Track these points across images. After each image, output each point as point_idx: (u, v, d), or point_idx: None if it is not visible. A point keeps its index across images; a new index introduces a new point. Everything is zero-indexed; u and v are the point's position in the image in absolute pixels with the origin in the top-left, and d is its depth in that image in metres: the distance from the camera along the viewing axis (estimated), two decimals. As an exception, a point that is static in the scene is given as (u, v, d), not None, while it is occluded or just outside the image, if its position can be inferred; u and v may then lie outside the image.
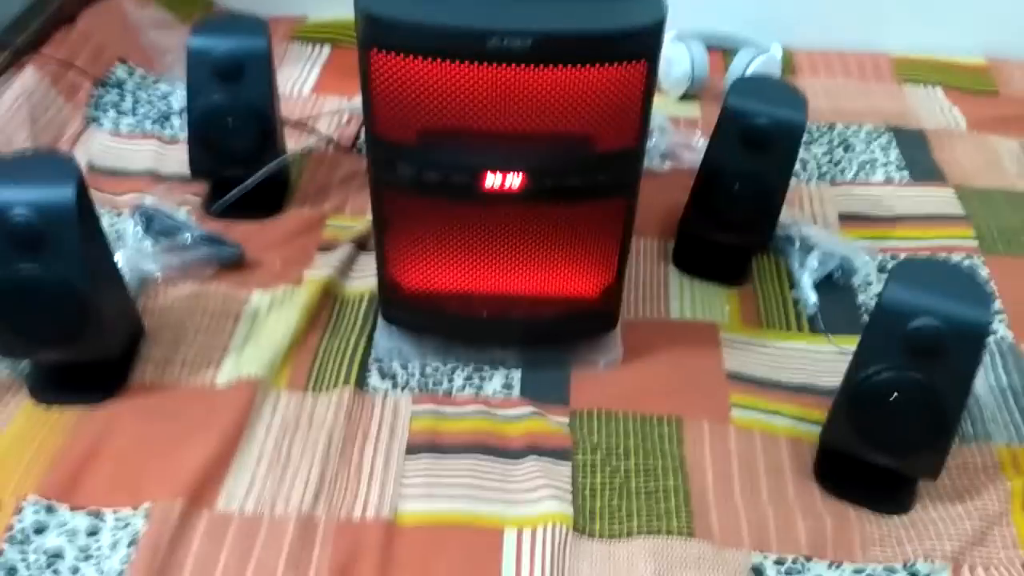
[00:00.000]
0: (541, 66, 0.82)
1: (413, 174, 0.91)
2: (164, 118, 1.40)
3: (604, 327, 1.06)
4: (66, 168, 0.90)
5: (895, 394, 0.88)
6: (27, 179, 0.89)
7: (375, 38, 0.83)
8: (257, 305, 1.11)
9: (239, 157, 1.19)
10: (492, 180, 0.90)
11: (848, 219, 1.31)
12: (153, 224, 1.11)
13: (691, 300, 1.17)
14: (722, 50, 1.64)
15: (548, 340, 1.07)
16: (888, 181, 1.38)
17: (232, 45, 1.14)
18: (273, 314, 1.10)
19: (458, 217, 0.95)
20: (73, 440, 0.95)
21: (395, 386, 1.04)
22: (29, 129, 1.27)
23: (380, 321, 1.09)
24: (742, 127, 1.09)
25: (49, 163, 0.92)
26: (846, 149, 1.44)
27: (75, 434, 0.95)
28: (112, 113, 1.39)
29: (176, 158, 1.33)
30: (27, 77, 1.32)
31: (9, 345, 0.95)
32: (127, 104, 1.41)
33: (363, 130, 1.34)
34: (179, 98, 1.43)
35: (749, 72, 1.50)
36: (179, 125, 1.39)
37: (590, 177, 0.90)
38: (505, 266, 0.99)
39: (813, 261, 1.19)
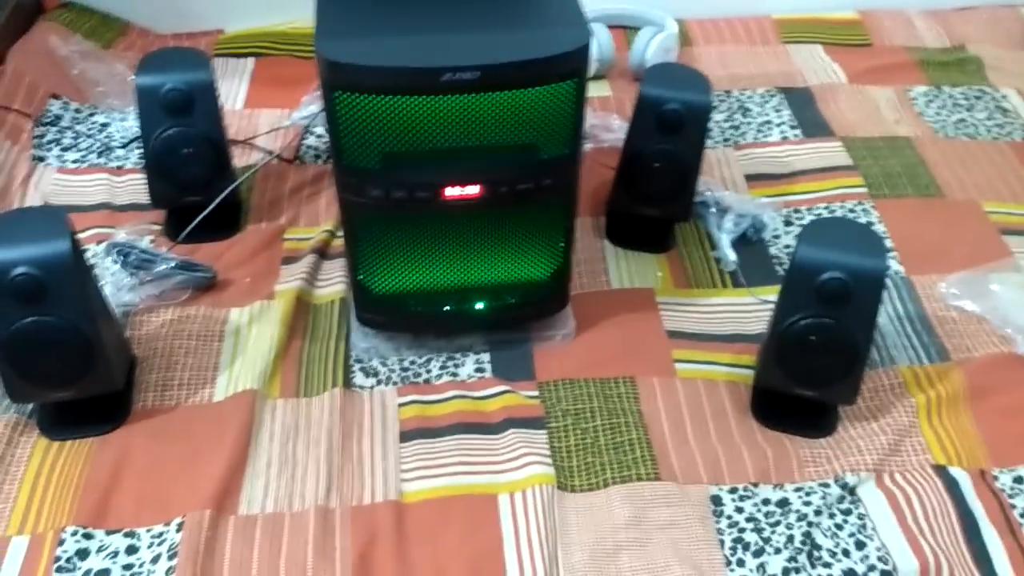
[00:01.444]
0: (489, 92, 0.93)
1: (380, 194, 1.01)
2: (107, 149, 1.45)
3: (557, 306, 1.19)
4: (58, 222, 0.97)
5: (813, 337, 1.04)
6: (23, 237, 0.96)
7: (337, 81, 0.93)
8: (237, 323, 1.20)
9: (196, 184, 1.27)
10: (451, 191, 1.01)
11: (753, 179, 1.46)
12: (129, 259, 1.18)
13: (627, 270, 1.31)
14: (622, 27, 1.77)
15: (509, 324, 1.19)
16: (783, 140, 1.54)
17: (179, 80, 1.21)
18: (254, 329, 1.19)
19: (421, 224, 1.06)
20: (93, 469, 1.03)
21: (379, 382, 1.15)
22: (-17, 179, 1.31)
23: (354, 323, 1.20)
24: (657, 113, 1.23)
25: (40, 219, 0.99)
26: (744, 113, 1.60)
27: (94, 463, 1.04)
28: (56, 150, 1.44)
29: (128, 188, 1.39)
30: (-30, 127, 1.35)
31: (23, 391, 1.02)
32: (68, 139, 1.46)
33: (302, 141, 1.45)
34: (119, 128, 1.48)
35: (651, 48, 1.63)
36: (123, 155, 1.44)
37: (537, 181, 1.03)
38: (466, 261, 1.11)
39: (728, 223, 1.34)
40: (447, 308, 1.15)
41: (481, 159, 0.99)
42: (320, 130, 1.50)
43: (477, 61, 0.91)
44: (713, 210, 1.36)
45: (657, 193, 1.28)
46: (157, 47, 1.66)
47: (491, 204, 1.04)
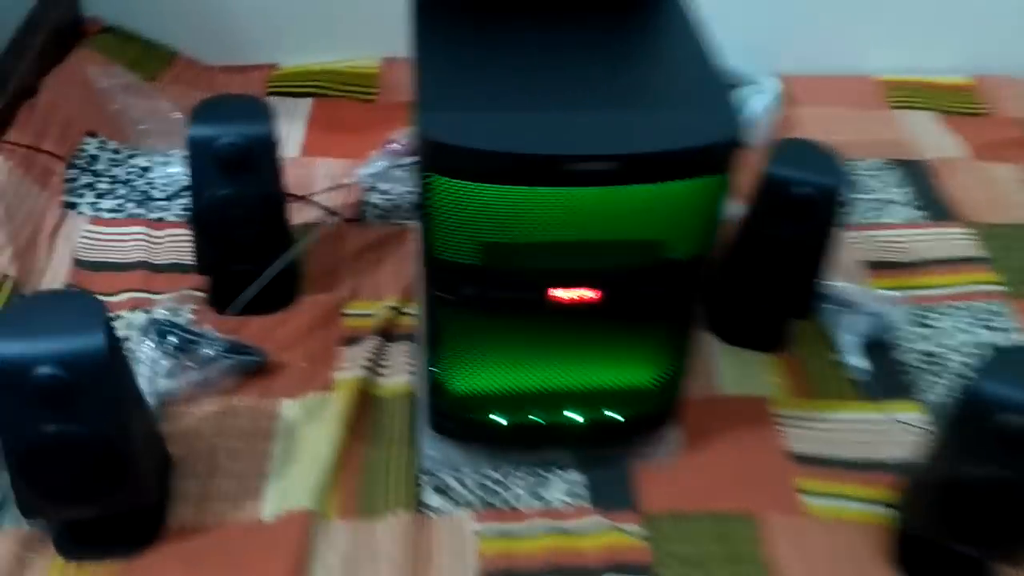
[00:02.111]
0: (620, 185, 0.76)
1: (476, 293, 0.84)
2: (147, 198, 1.29)
3: (664, 422, 1.02)
4: (91, 310, 0.81)
5: (988, 491, 0.86)
6: (49, 328, 0.79)
7: (438, 164, 0.76)
8: (290, 418, 1.03)
9: (249, 250, 1.10)
10: (560, 293, 0.84)
11: (871, 266, 1.29)
12: (170, 339, 1.02)
13: (736, 372, 1.13)
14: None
15: (606, 441, 1.02)
16: (903, 222, 1.37)
17: (236, 133, 1.05)
18: (309, 428, 1.02)
19: (517, 323, 0.89)
20: (115, 604, 0.86)
21: (454, 503, 0.97)
22: (7, 229, 1.15)
23: (425, 427, 1.03)
24: (784, 196, 1.06)
25: (71, 305, 0.82)
26: (853, 187, 1.42)
27: (116, 596, 0.87)
28: (89, 196, 1.28)
29: (169, 245, 1.23)
30: (-3, 169, 1.20)
31: (38, 508, 0.86)
32: (104, 185, 1.30)
33: (365, 199, 1.29)
34: (161, 174, 1.32)
35: (756, 110, 1.47)
36: (165, 204, 1.28)
37: (662, 285, 0.85)
38: (564, 365, 0.94)
39: (856, 323, 1.17)
40: (536, 417, 0.98)
41: (599, 257, 0.82)
42: (385, 185, 1.34)
43: (612, 149, 0.74)
44: (834, 305, 1.19)
45: (779, 286, 1.10)
46: (205, 80, 1.52)
47: (603, 308, 0.86)
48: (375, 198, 1.32)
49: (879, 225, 1.36)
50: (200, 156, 1.06)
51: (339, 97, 1.53)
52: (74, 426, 0.80)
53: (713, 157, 0.77)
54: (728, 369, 1.13)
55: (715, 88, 0.82)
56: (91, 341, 0.79)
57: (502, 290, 0.84)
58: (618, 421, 0.98)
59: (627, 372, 0.95)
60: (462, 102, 0.78)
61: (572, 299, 0.84)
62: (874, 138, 1.53)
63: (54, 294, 0.97)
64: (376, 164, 1.32)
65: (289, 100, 1.51)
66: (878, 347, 1.17)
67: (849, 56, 1.68)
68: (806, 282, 1.10)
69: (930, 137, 1.54)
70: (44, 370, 0.78)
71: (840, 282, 1.20)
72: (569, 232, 0.80)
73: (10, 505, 0.90)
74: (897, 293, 1.24)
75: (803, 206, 1.05)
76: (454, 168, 0.76)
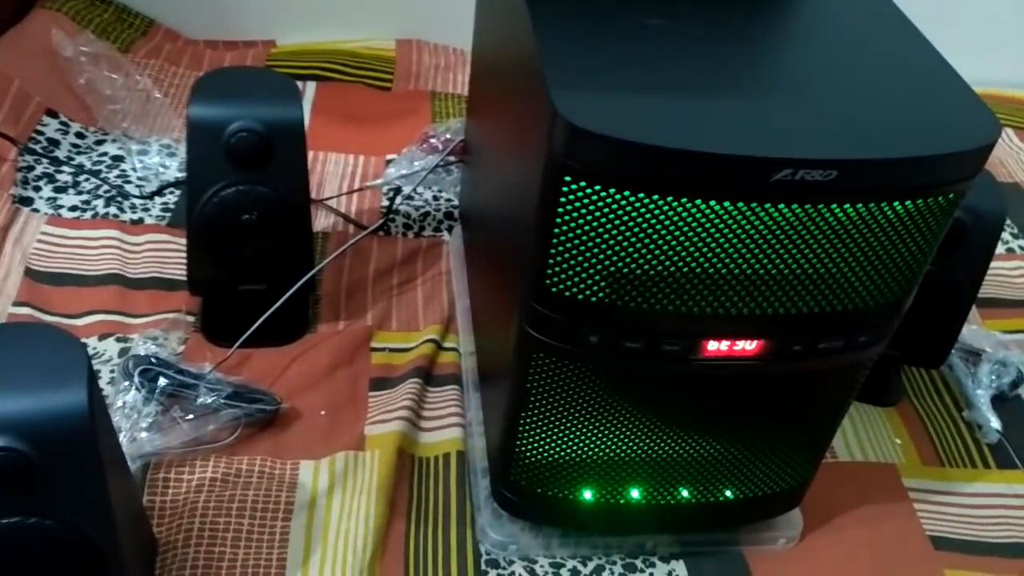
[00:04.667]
0: (834, 202, 0.56)
1: (601, 342, 0.62)
2: (120, 194, 1.04)
3: (790, 503, 0.81)
4: (71, 356, 0.57)
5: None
6: (7, 380, 0.55)
7: (578, 161, 0.54)
8: (311, 488, 0.80)
9: (262, 268, 0.87)
10: (715, 349, 0.63)
11: (980, 304, 1.11)
12: (158, 385, 0.77)
13: (854, 432, 0.93)
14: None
15: (718, 525, 0.81)
16: (1009, 253, 1.19)
17: (256, 117, 0.81)
18: (337, 502, 0.79)
19: (641, 383, 0.68)
20: None
21: (530, 604, 0.76)
22: (-60, 229, 0.90)
23: (483, 498, 0.80)
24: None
25: (42, 349, 0.58)
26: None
27: None
28: (47, 190, 1.02)
29: (147, 254, 0.98)
30: (-70, 151, 0.94)
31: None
32: (65, 176, 1.04)
33: (391, 206, 1.06)
34: (137, 165, 1.07)
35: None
36: (143, 203, 1.04)
37: (848, 338, 0.65)
38: (683, 437, 0.72)
39: (986, 374, 0.98)
40: (635, 496, 0.76)
41: (776, 301, 0.61)
42: (409, 188, 1.11)
43: (835, 153, 0.53)
44: (957, 354, 1.00)
45: (913, 332, 0.91)
46: (189, 56, 1.28)
47: (764, 367, 0.65)
48: (402, 205, 1.09)
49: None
50: (203, 145, 0.82)
51: (348, 81, 1.29)
52: (39, 518, 0.56)
53: (960, 168, 0.56)
54: (846, 427, 0.93)
55: (945, 75, 0.61)
56: (68, 403, 0.55)
57: (638, 338, 0.62)
58: (740, 502, 0.78)
59: (766, 446, 0.74)
60: (610, 84, 0.57)
61: (727, 353, 0.63)
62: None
63: (17, 330, 0.71)
64: (406, 163, 1.09)
65: (290, 83, 1.27)
66: (1005, 400, 0.99)
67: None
68: (948, 326, 0.91)
69: (1014, 156, 1.37)
70: (1, 445, 0.54)
71: (967, 326, 1.01)
72: (744, 266, 0.59)
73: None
74: (1015, 337, 1.06)
75: (953, 235, 0.86)
76: (601, 170, 0.54)
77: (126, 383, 0.78)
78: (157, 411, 0.79)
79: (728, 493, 0.77)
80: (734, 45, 0.63)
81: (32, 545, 0.57)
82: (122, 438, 0.76)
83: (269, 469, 0.81)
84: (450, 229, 1.08)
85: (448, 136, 1.09)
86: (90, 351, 0.87)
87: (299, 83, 1.24)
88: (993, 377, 0.98)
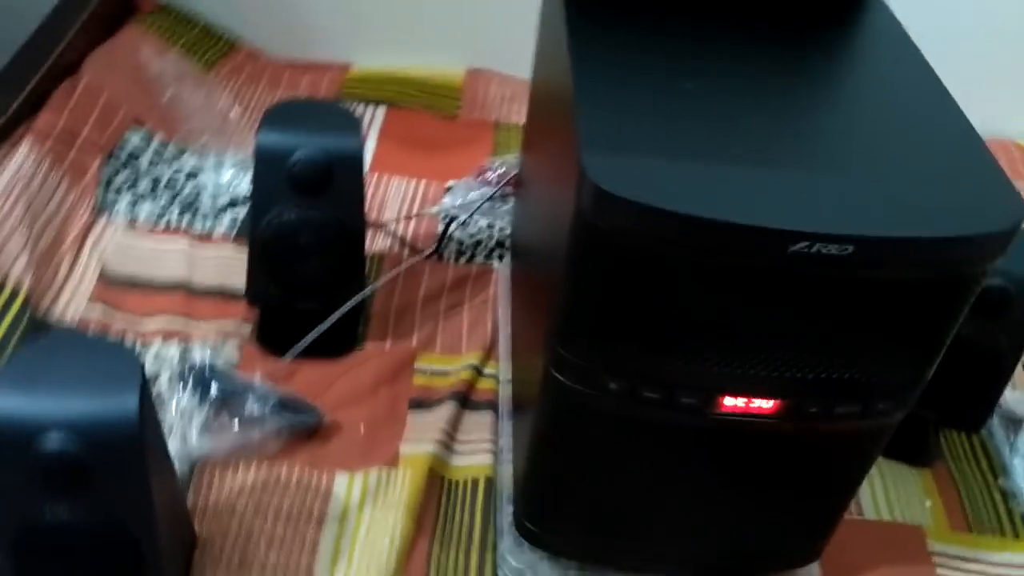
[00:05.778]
0: (848, 277, 0.57)
1: (621, 388, 0.65)
2: (193, 206, 1.11)
3: (807, 559, 0.82)
4: (125, 368, 0.62)
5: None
6: (66, 385, 0.61)
7: (605, 222, 0.57)
8: (344, 500, 0.84)
9: (316, 287, 0.92)
10: (732, 404, 0.65)
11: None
12: (211, 391, 0.83)
13: (884, 491, 0.93)
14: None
15: (735, 572, 0.82)
16: (1066, 319, 1.17)
17: (318, 146, 0.86)
18: (367, 515, 0.83)
19: (658, 435, 0.70)
20: None
21: (542, 633, 0.78)
22: (28, 230, 0.97)
23: (506, 525, 0.83)
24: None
25: (100, 356, 0.63)
26: (1008, 273, 1.23)
27: None
28: (127, 198, 1.10)
29: (214, 264, 1.04)
30: (23, 156, 1.01)
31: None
32: (144, 185, 1.11)
33: (446, 232, 1.10)
34: (212, 181, 1.13)
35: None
36: (213, 215, 1.10)
37: (862, 403, 0.66)
38: (700, 489, 0.74)
39: (1023, 443, 0.97)
40: (652, 539, 0.78)
41: (793, 363, 0.63)
42: (466, 217, 1.15)
43: (851, 229, 0.55)
44: (997, 419, 0.99)
45: (949, 395, 0.91)
46: (268, 75, 1.35)
47: (777, 428, 0.67)
48: (457, 232, 1.13)
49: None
50: (269, 169, 0.87)
51: (416, 108, 1.34)
52: (85, 510, 0.61)
53: (984, 249, 0.58)
54: (875, 486, 0.93)
55: (976, 154, 0.62)
56: (120, 408, 0.60)
57: (657, 389, 0.64)
58: (757, 552, 0.79)
59: (785, 502, 0.75)
60: (639, 144, 0.59)
61: (744, 410, 0.65)
62: None
63: (79, 339, 0.77)
64: (462, 192, 1.13)
65: (362, 106, 1.32)
66: (1047, 472, 0.98)
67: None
68: (987, 392, 0.91)
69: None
70: (53, 442, 0.59)
71: (1011, 392, 1.01)
72: (764, 326, 0.61)
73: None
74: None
75: (995, 302, 0.86)
76: (626, 231, 0.57)
77: (181, 387, 0.84)
78: (208, 415, 0.84)
79: (745, 543, 0.78)
80: (768, 111, 0.65)
81: (79, 539, 0.62)
82: (173, 438, 0.82)
83: (307, 479, 0.85)
84: (501, 257, 1.12)
85: (503, 170, 1.13)
86: (153, 352, 0.93)
87: (369, 107, 1.33)
88: (1031, 446, 0.97)
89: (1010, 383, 1.03)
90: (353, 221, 0.90)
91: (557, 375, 0.67)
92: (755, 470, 0.73)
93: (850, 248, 0.55)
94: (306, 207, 0.87)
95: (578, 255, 0.59)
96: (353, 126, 0.89)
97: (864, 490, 0.93)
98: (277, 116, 0.89)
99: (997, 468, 0.98)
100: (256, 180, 0.88)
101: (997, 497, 0.95)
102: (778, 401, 0.64)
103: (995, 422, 1.00)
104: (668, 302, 0.59)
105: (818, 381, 0.63)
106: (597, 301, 0.61)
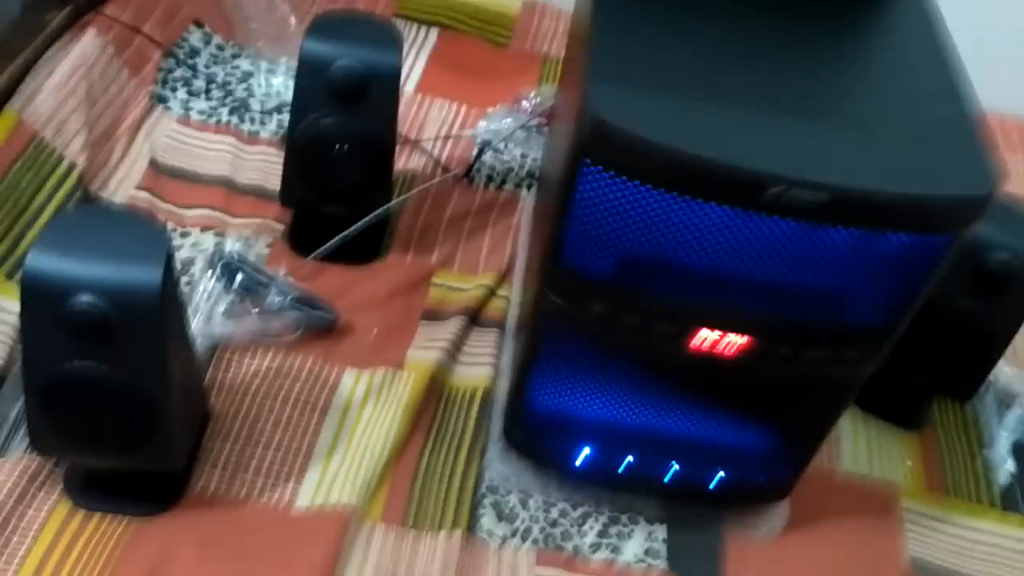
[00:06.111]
0: (823, 225, 0.60)
1: (603, 314, 0.69)
2: (243, 107, 1.16)
3: (775, 495, 0.86)
4: (154, 241, 0.68)
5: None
6: (101, 251, 0.67)
7: (598, 150, 0.61)
8: (348, 393, 0.90)
9: (344, 194, 0.97)
10: (706, 337, 0.69)
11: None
12: (236, 280, 0.89)
13: (866, 447, 0.97)
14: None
15: (704, 501, 0.87)
16: (1085, 307, 1.17)
17: (356, 58, 0.90)
18: (368, 410, 0.89)
19: (636, 360, 0.74)
20: (118, 568, 0.75)
21: (513, 533, 0.84)
22: (86, 112, 1.03)
23: (496, 435, 0.89)
24: (976, 261, 0.88)
25: (133, 229, 0.70)
26: (1034, 255, 1.22)
27: (121, 559, 0.76)
28: (182, 92, 1.15)
29: (256, 164, 1.10)
30: (88, 44, 1.07)
31: (52, 445, 0.74)
32: (199, 83, 1.17)
33: (478, 156, 1.14)
34: (263, 83, 1.19)
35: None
36: (261, 118, 1.15)
37: (834, 351, 0.69)
38: (679, 413, 0.79)
39: (1014, 417, 0.99)
40: (629, 459, 0.83)
41: (764, 303, 0.67)
42: (502, 145, 1.18)
43: (827, 178, 0.58)
44: (992, 394, 1.01)
45: (944, 360, 0.93)
46: (331, -14, 1.38)
47: (751, 364, 0.71)
48: (488, 157, 1.17)
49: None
50: (309, 76, 0.92)
51: (467, 32, 1.37)
52: (107, 366, 0.68)
53: (954, 212, 0.60)
54: (858, 441, 0.97)
55: (966, 123, 0.64)
56: (145, 277, 0.66)
57: (635, 317, 0.68)
58: (722, 485, 0.83)
59: (754, 437, 0.80)
60: (644, 80, 0.62)
61: (716, 348, 0.69)
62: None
63: (116, 212, 0.84)
64: (497, 120, 1.16)
65: (416, 26, 1.36)
66: (1032, 451, 1.00)
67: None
68: (980, 364, 0.93)
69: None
70: (85, 298, 0.66)
71: (1008, 368, 1.02)
72: (739, 268, 0.64)
73: (21, 432, 0.79)
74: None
75: (998, 276, 0.88)
76: (617, 160, 0.61)
77: (210, 273, 0.90)
78: (233, 301, 0.90)
79: (716, 473, 0.83)
80: (777, 64, 0.67)
81: (99, 388, 0.69)
82: (198, 319, 0.88)
83: (318, 370, 0.92)
84: (530, 187, 1.15)
85: (538, 100, 1.16)
86: (190, 241, 1.00)
87: (423, 29, 1.36)
88: (1016, 420, 0.99)
89: (1011, 361, 1.05)
90: (384, 133, 0.94)
91: (550, 295, 0.71)
92: (727, 405, 0.77)
93: (825, 195, 0.58)
94: (341, 115, 0.92)
95: (571, 181, 0.63)
96: (393, 42, 0.93)
97: (845, 443, 0.96)
98: (323, 26, 0.93)
99: (984, 439, 1.00)
100: (297, 86, 0.93)
101: (979, 467, 0.98)
102: (750, 338, 0.68)
103: (990, 396, 1.02)
104: (649, 233, 0.63)
105: (789, 323, 0.67)
106: (586, 226, 0.65)
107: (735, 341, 0.68)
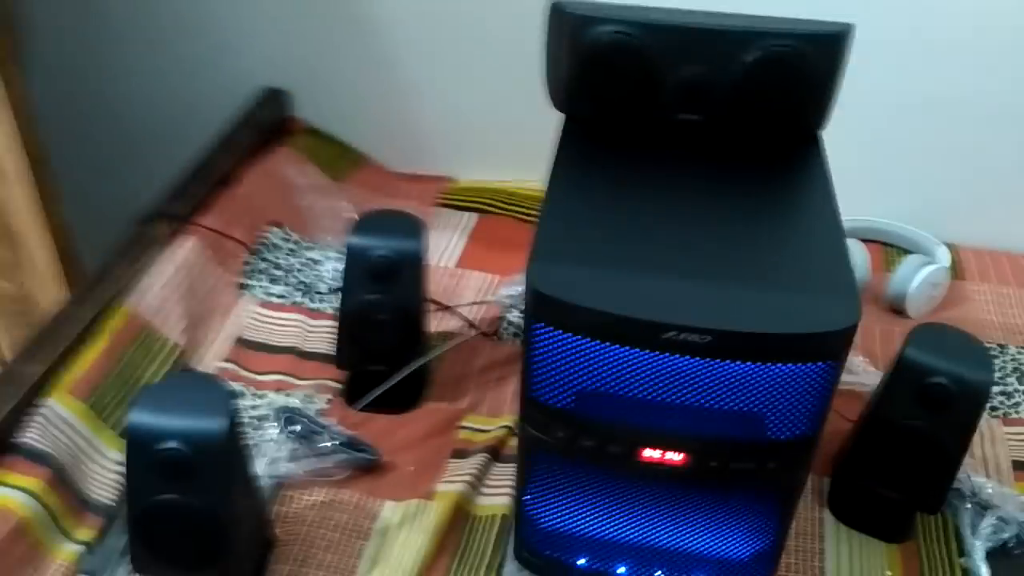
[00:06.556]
0: (718, 359, 0.77)
1: (566, 437, 0.87)
2: (311, 289, 1.41)
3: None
4: (220, 399, 0.90)
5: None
6: (181, 407, 0.89)
7: (541, 313, 0.80)
8: (387, 521, 1.08)
9: (384, 354, 1.18)
10: (651, 453, 0.85)
11: (1021, 468, 1.19)
12: (295, 428, 1.10)
13: (848, 560, 1.07)
14: (878, 243, 1.57)
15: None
16: (1059, 420, 1.26)
17: (389, 247, 1.14)
18: (402, 534, 1.07)
19: (608, 475, 0.90)
20: (194, 669, 0.93)
21: (526, 641, 0.98)
22: (186, 304, 1.29)
23: (511, 554, 1.04)
24: (920, 384, 1.01)
25: (203, 390, 0.92)
26: (1021, 379, 1.33)
27: (197, 661, 0.93)
28: (264, 281, 1.42)
29: (320, 336, 1.33)
30: (188, 248, 1.35)
31: (146, 565, 0.94)
32: (278, 272, 1.43)
33: (504, 316, 1.34)
34: (329, 269, 1.44)
35: (916, 281, 1.41)
36: (325, 298, 1.40)
37: (759, 462, 0.84)
38: (653, 525, 0.93)
39: (987, 527, 1.08)
40: (621, 572, 0.97)
41: (692, 423, 0.83)
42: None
43: (709, 323, 0.75)
44: (968, 505, 1.11)
45: (905, 478, 1.04)
46: (387, 187, 1.66)
47: (695, 476, 0.86)
48: (513, 316, 1.38)
49: (1040, 423, 1.26)
50: (355, 262, 1.16)
51: (502, 215, 1.61)
52: (187, 497, 0.89)
53: (821, 345, 0.76)
54: (840, 555, 1.07)
55: (838, 271, 0.81)
56: (214, 425, 0.88)
57: (591, 438, 0.85)
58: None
59: (718, 542, 0.93)
60: (574, 255, 0.82)
61: (661, 460, 0.85)
62: (1053, 325, 1.43)
63: (190, 377, 1.09)
64: (515, 287, 1.38)
65: (456, 213, 1.61)
66: (1009, 556, 1.08)
67: None
68: (937, 478, 1.04)
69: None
70: (170, 444, 0.87)
71: (983, 479, 1.12)
72: (663, 396, 0.81)
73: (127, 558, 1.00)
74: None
75: (938, 397, 1.00)
76: (556, 320, 0.80)
77: (276, 423, 1.12)
78: (293, 447, 1.11)
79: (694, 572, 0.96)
80: (699, 230, 0.86)
81: (181, 515, 0.89)
82: (264, 461, 1.09)
83: (362, 502, 1.10)
84: (551, 341, 1.35)
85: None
86: (267, 400, 1.22)
87: (463, 214, 1.61)
88: (990, 528, 1.07)
89: (981, 471, 1.15)
90: (415, 304, 1.16)
91: (524, 423, 0.89)
92: (695, 512, 0.91)
93: (708, 337, 0.75)
94: (380, 292, 1.15)
95: (529, 336, 0.82)
96: (419, 233, 1.16)
97: (829, 557, 1.07)
98: (364, 223, 1.18)
99: (964, 548, 1.09)
100: (346, 271, 1.16)
101: (955, 574, 1.06)
102: (685, 455, 0.84)
103: (965, 506, 1.11)
104: (591, 373, 0.81)
105: (714, 441, 0.83)
106: (544, 369, 0.83)
107: (673, 458, 0.84)
